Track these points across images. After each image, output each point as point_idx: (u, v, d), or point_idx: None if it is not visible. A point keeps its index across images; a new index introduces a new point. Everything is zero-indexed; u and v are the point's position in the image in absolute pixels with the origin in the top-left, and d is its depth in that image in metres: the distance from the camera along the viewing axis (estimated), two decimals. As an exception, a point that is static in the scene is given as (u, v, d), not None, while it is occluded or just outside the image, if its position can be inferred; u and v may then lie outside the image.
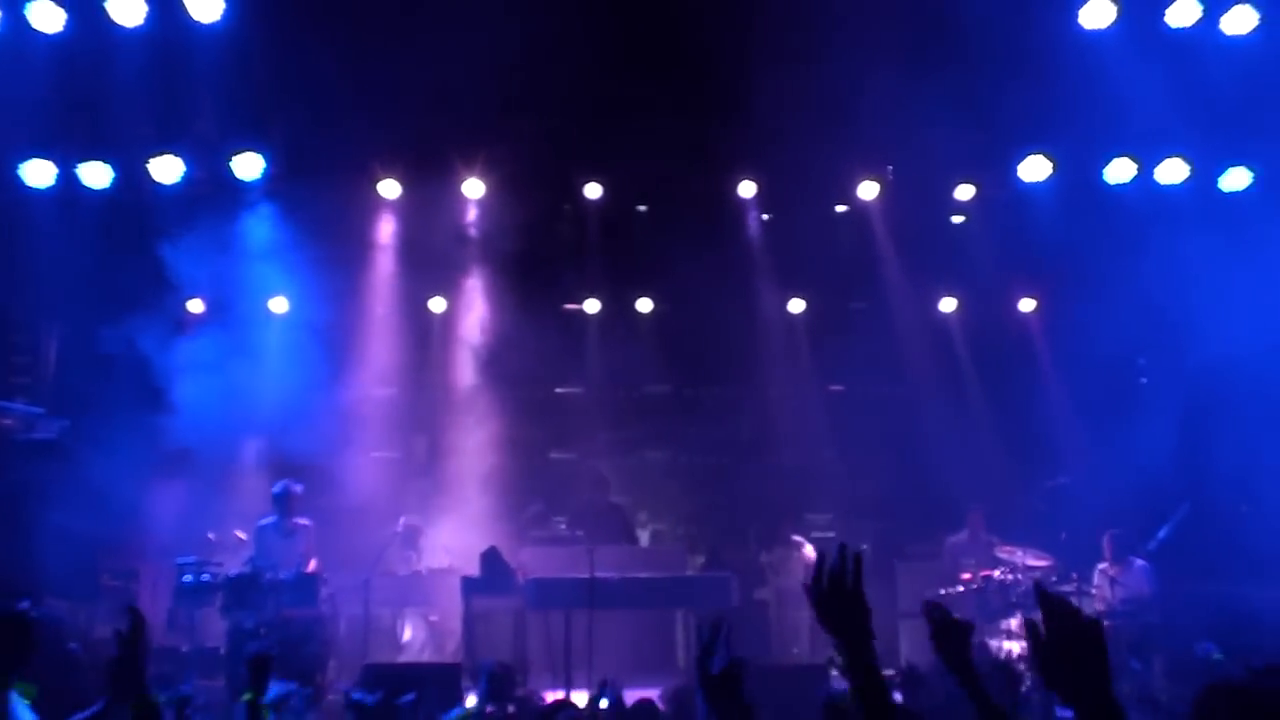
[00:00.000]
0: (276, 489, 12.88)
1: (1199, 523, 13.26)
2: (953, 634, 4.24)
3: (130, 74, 13.51)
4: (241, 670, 10.78)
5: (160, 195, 14.69)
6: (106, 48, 13.34)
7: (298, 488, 12.87)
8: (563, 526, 14.47)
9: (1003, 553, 12.99)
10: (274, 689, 9.10)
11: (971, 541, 13.52)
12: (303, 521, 12.81)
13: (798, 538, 15.31)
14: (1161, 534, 12.96)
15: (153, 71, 13.58)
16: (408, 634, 13.91)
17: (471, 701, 10.42)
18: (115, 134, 14.17)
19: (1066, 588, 12.44)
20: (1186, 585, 13.08)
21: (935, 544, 14.91)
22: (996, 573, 12.60)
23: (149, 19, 13.09)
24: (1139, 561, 12.77)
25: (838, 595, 3.65)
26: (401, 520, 13.91)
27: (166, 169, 14.38)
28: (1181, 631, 11.23)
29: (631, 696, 10.87)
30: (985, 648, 12.15)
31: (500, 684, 10.52)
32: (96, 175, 14.30)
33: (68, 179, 14.27)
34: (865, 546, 18.05)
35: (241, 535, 13.35)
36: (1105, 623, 11.85)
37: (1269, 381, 13.69)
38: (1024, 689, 9.49)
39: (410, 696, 7.63)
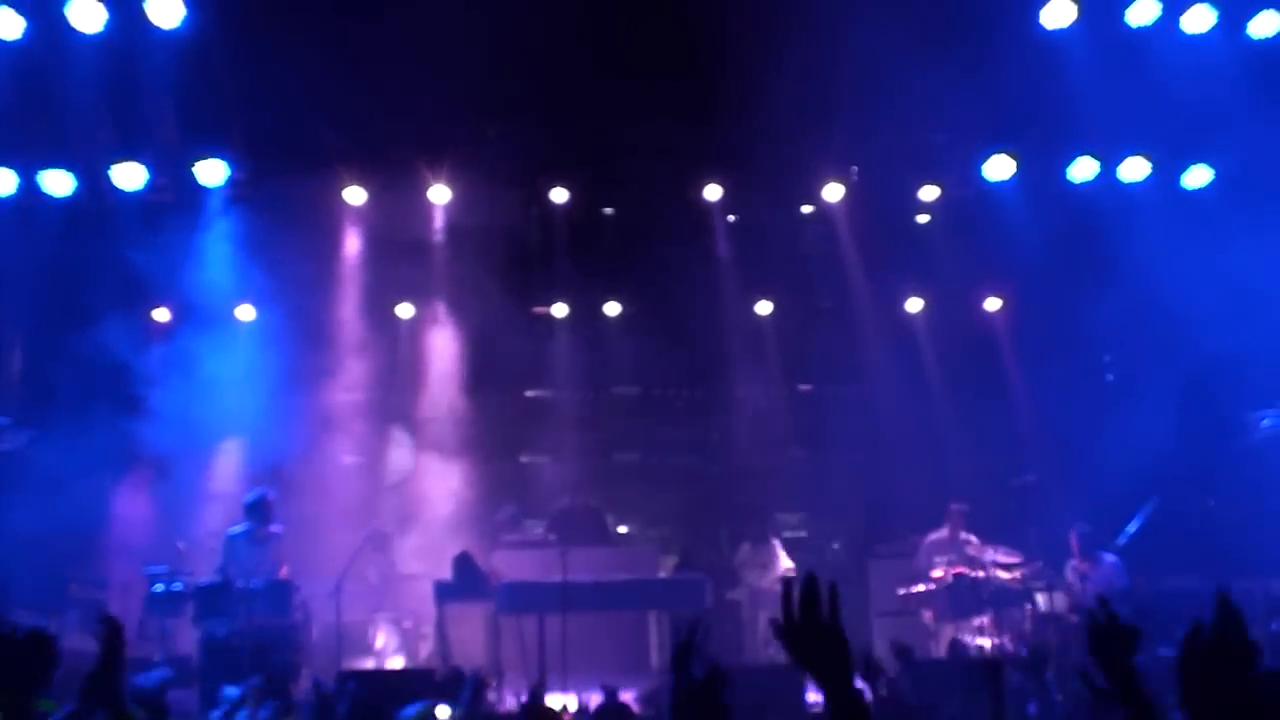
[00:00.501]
0: (250, 497, 12.79)
1: (1167, 518, 13.36)
2: (1118, 640, 3.84)
3: (91, 81, 13.40)
4: (215, 678, 10.84)
5: (123, 202, 14.57)
6: (66, 54, 13.22)
7: (271, 495, 12.80)
8: (538, 530, 14.43)
9: (975, 550, 13.05)
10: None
11: (950, 539, 13.55)
12: (275, 529, 12.73)
13: (774, 539, 15.32)
14: (1131, 529, 13.05)
15: (114, 78, 13.48)
16: (380, 640, 13.86)
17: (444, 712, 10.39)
18: (77, 141, 14.06)
19: (1038, 584, 12.52)
20: (1158, 580, 13.20)
21: (905, 542, 14.96)
22: (967, 570, 12.64)
23: (109, 25, 12.97)
24: (1109, 557, 12.85)
25: (811, 629, 3.33)
26: (372, 525, 13.86)
27: (129, 176, 14.26)
28: (1154, 627, 11.27)
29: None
30: (961, 645, 12.22)
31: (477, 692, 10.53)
32: (58, 183, 14.17)
33: (29, 187, 14.14)
34: (836, 545, 18.19)
35: (181, 546, 13.27)
36: (1075, 619, 11.98)
37: (1234, 375, 13.82)
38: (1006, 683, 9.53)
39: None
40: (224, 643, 11.35)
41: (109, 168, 14.19)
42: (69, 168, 14.13)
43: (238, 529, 12.71)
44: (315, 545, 13.83)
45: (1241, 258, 13.91)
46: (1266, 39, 13.87)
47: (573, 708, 10.59)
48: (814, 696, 10.25)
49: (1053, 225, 15.48)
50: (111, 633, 4.62)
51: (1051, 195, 15.56)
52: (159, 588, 12.20)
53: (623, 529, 18.43)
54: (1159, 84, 14.27)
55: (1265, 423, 13.67)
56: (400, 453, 15.24)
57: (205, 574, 12.28)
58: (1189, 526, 13.90)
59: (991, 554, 12.96)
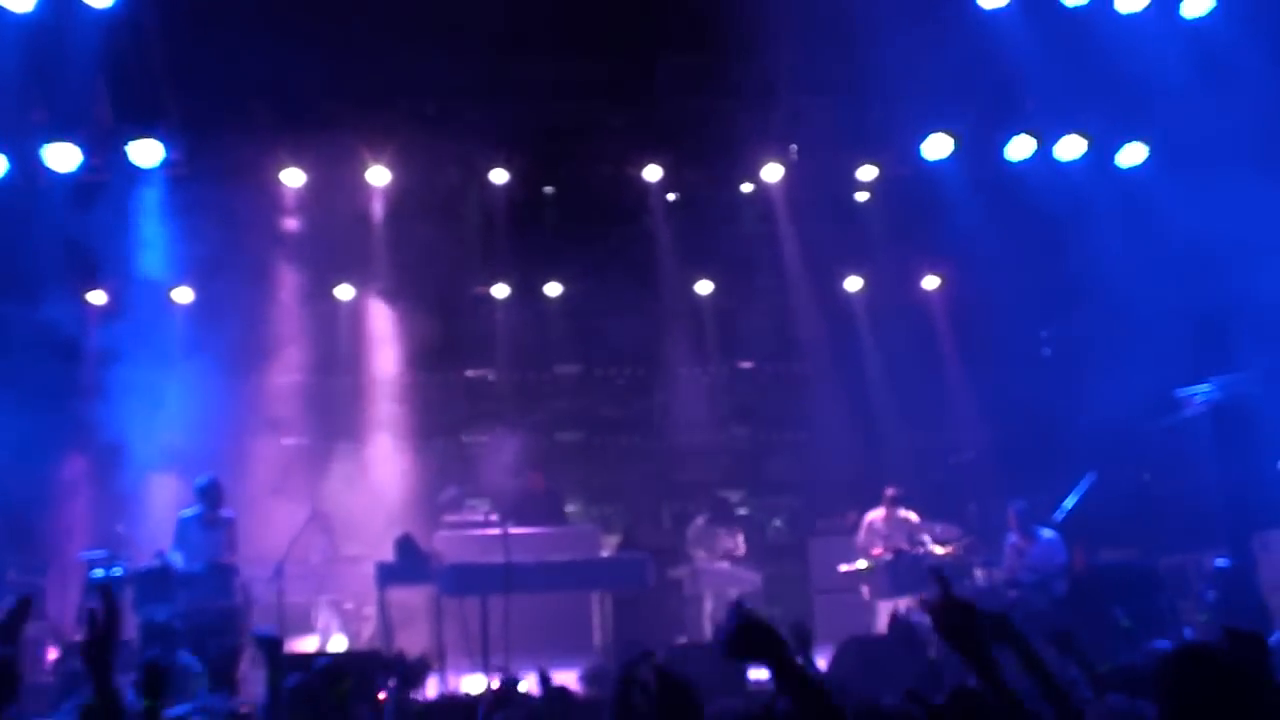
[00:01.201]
0: (201, 481, 12.66)
1: (1104, 494, 13.55)
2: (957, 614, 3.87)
3: (23, 61, 13.17)
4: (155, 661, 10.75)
5: (57, 184, 14.35)
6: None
7: (221, 480, 12.70)
8: (484, 511, 14.35)
9: (914, 527, 13.18)
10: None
11: (888, 518, 13.69)
12: (226, 513, 12.64)
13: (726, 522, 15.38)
14: (1068, 505, 13.22)
15: (46, 58, 13.25)
16: (322, 621, 13.84)
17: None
18: (8, 122, 13.82)
19: (976, 559, 12.66)
20: (1094, 555, 13.40)
21: (845, 520, 15.09)
22: (907, 546, 12.78)
23: (40, 4, 12.74)
24: (1046, 533, 13.01)
25: (746, 634, 3.59)
26: (312, 508, 13.78)
27: (62, 157, 14.03)
28: (1091, 600, 11.44)
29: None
30: (901, 620, 12.33)
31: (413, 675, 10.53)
32: (-10, 164, 13.94)
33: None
34: (777, 522, 18.32)
35: (120, 530, 13.17)
36: (1013, 594, 12.13)
37: (1169, 351, 14.00)
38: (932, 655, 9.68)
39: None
40: (164, 627, 11.25)
41: (41, 149, 13.94)
42: (0, 149, 13.88)
43: (189, 512, 12.61)
44: (256, 528, 13.75)
45: (1175, 234, 14.10)
46: (1199, 18, 14.00)
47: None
48: (756, 675, 10.32)
49: (990, 203, 15.61)
50: (109, 606, 4.53)
51: (989, 174, 15.67)
52: (98, 573, 12.08)
53: (567, 508, 18.47)
54: (1094, 63, 14.41)
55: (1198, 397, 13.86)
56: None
57: (145, 558, 12.17)
58: (1125, 502, 14.12)
59: (933, 530, 13.09)
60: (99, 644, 4.39)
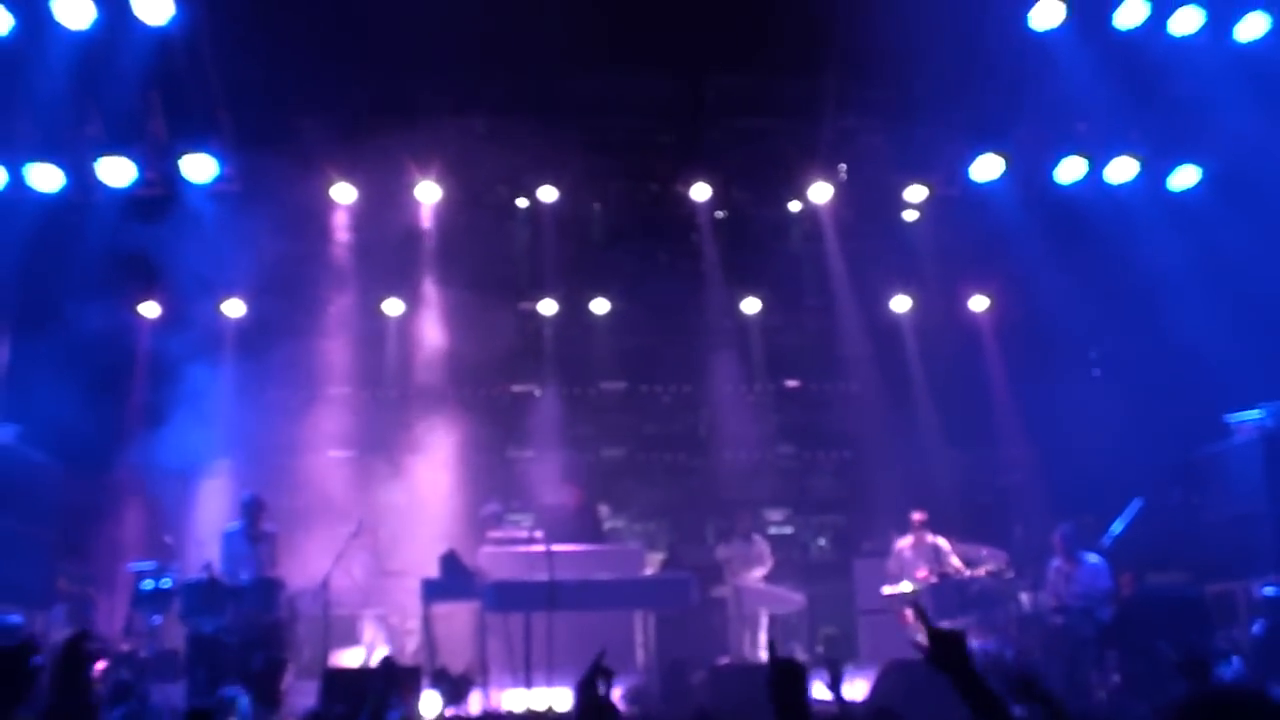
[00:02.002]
0: (245, 496, 12.80)
1: (1152, 519, 13.42)
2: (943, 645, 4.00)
3: (78, 77, 13.35)
4: (200, 675, 10.87)
5: (111, 197, 14.54)
6: (54, 51, 13.16)
7: (264, 495, 12.81)
8: (528, 527, 14.38)
9: (947, 553, 13.09)
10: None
11: (917, 545, 13.61)
12: (269, 528, 12.75)
13: (756, 535, 15.35)
14: (1115, 530, 13.09)
15: (101, 74, 13.43)
16: (367, 636, 13.91)
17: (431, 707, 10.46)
18: (64, 136, 14.01)
19: (1021, 584, 12.56)
20: (1141, 581, 13.27)
21: (889, 540, 15.04)
22: (953, 570, 12.70)
23: (97, 22, 12.91)
24: (1092, 557, 12.89)
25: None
26: (358, 522, 13.85)
27: (116, 171, 14.22)
28: (1137, 627, 11.34)
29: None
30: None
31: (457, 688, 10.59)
32: (46, 178, 14.12)
33: (15, 182, 14.10)
34: (822, 542, 18.25)
35: (169, 541, 13.30)
36: (1059, 620, 12.02)
37: (1219, 375, 13.88)
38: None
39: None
40: (210, 639, 11.35)
41: (95, 163, 14.13)
42: (56, 162, 14.06)
43: (233, 526, 12.73)
44: (303, 542, 13.84)
45: (1228, 257, 13.99)
46: (1253, 41, 13.89)
47: (558, 706, 10.67)
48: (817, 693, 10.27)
49: (1039, 225, 15.55)
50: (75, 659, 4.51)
51: (1039, 195, 15.61)
52: (147, 584, 12.19)
53: (611, 524, 18.47)
54: (1147, 85, 14.34)
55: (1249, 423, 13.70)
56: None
57: (193, 570, 12.27)
58: (1172, 528, 13.98)
59: (974, 553, 12.99)
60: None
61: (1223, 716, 3.26)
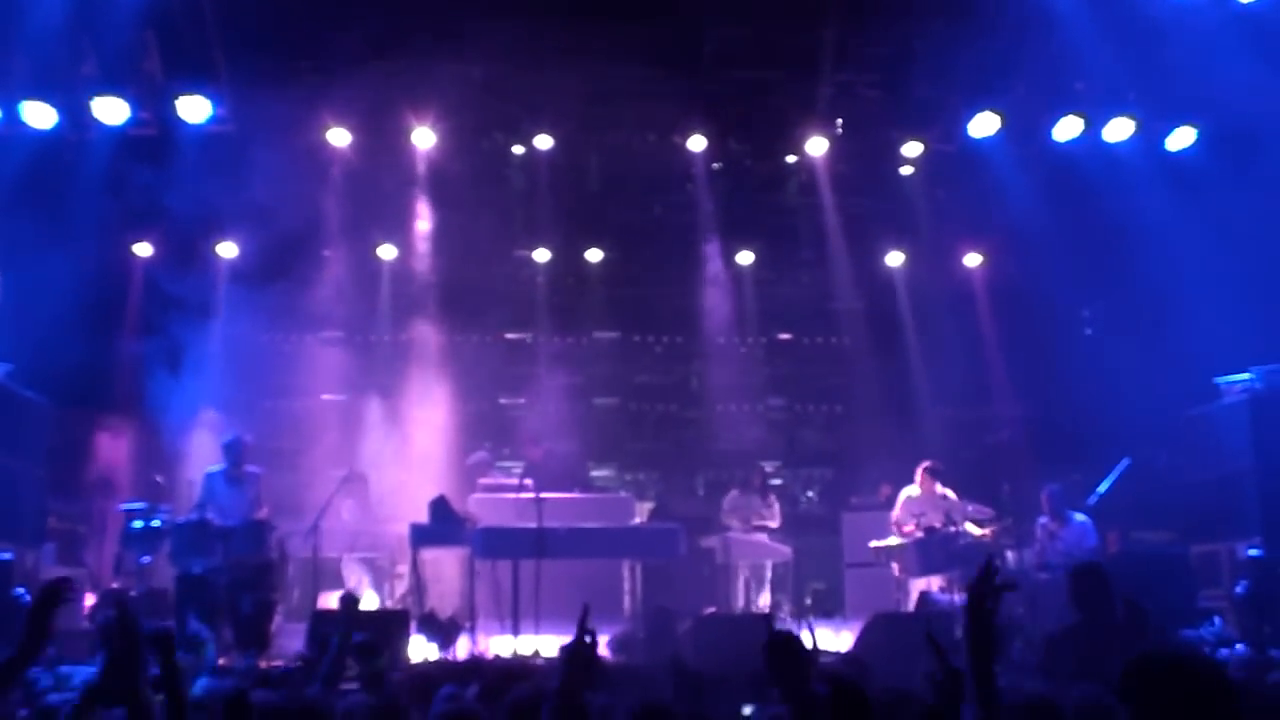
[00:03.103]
0: (227, 438, 12.79)
1: (1138, 477, 13.50)
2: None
3: (74, 14, 13.26)
4: (189, 615, 10.94)
5: (105, 136, 14.47)
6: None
7: (248, 437, 12.80)
8: (519, 475, 14.40)
9: (951, 506, 13.10)
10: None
11: (926, 495, 13.59)
12: (252, 469, 12.76)
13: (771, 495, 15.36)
14: (1102, 489, 13.18)
15: (96, 12, 13.34)
16: (351, 580, 13.97)
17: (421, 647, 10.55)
18: (58, 75, 13.91)
19: (1007, 541, 12.62)
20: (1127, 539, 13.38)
21: (877, 495, 15.10)
22: (942, 523, 12.72)
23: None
24: (1079, 516, 12.96)
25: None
26: (349, 468, 13.90)
27: (111, 110, 14.14)
28: (1121, 585, 11.41)
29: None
30: (930, 598, 12.34)
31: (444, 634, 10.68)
32: (40, 115, 14.04)
33: (9, 119, 14.02)
34: (811, 494, 18.34)
35: (160, 481, 13.37)
36: (1043, 576, 12.11)
37: (1212, 336, 13.92)
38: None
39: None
40: (199, 579, 11.40)
41: (90, 101, 14.05)
42: (50, 101, 13.97)
43: (215, 468, 12.73)
44: (293, 483, 13.91)
45: (1223, 219, 13.99)
46: (1254, 2, 13.82)
47: (545, 652, 10.77)
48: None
49: (1036, 183, 15.53)
50: (128, 625, 4.53)
51: (1035, 153, 15.57)
52: (137, 524, 12.25)
53: (600, 473, 18.54)
54: (1146, 45, 14.27)
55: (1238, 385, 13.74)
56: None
57: (183, 510, 12.32)
58: (1159, 488, 14.07)
59: (967, 509, 13.04)
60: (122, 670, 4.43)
61: (1159, 677, 3.36)
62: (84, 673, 8.10)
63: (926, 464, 13.69)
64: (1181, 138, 15.18)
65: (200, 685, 8.41)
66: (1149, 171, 15.15)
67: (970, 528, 12.73)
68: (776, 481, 18.16)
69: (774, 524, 14.72)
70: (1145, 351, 14.89)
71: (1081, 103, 15.16)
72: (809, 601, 15.61)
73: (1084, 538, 12.75)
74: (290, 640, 11.12)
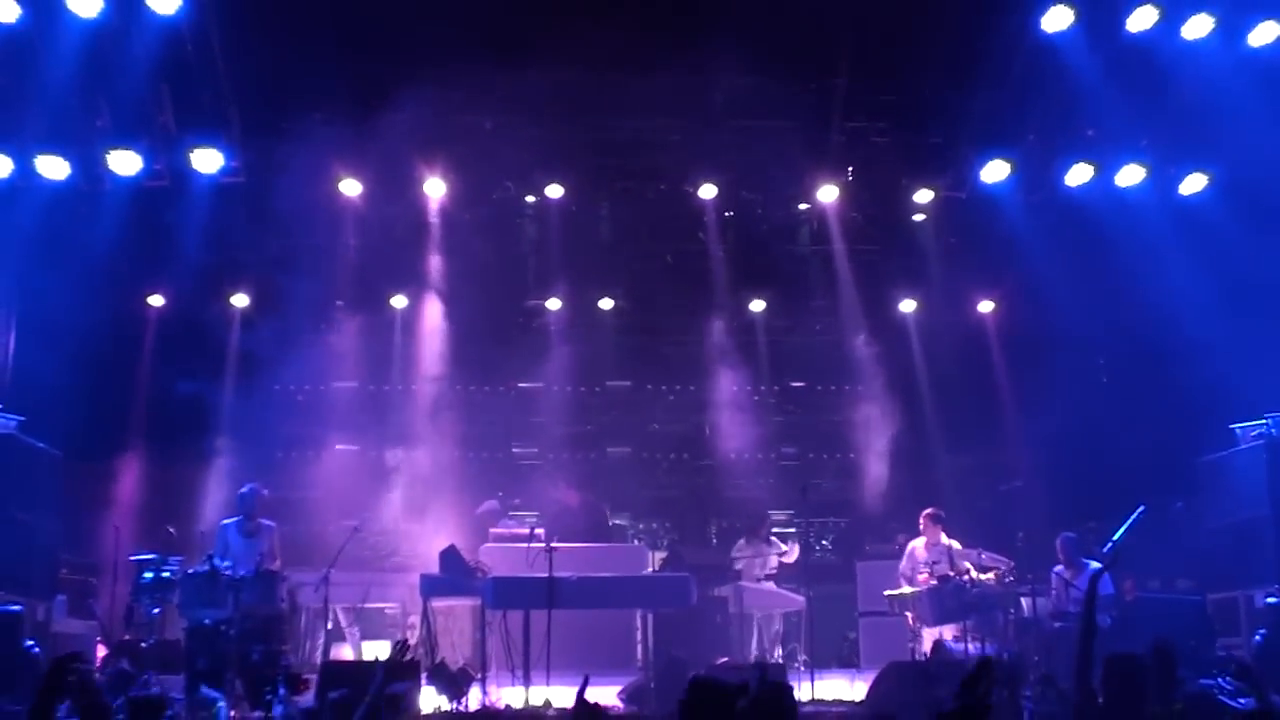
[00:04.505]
0: (242, 490, 12.82)
1: (1154, 525, 13.38)
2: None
3: (87, 67, 13.35)
4: (200, 667, 10.89)
5: (118, 188, 14.55)
6: (62, 40, 13.13)
7: (263, 490, 12.81)
8: (530, 525, 14.34)
9: (959, 555, 13.02)
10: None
11: (932, 544, 13.51)
12: (266, 522, 12.75)
13: (774, 539, 15.33)
14: (1117, 537, 13.05)
15: (111, 64, 13.44)
16: (349, 631, 13.93)
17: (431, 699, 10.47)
18: (72, 127, 14.01)
19: (1022, 589, 12.52)
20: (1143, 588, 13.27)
21: (892, 543, 14.99)
22: (953, 574, 12.64)
23: (105, 11, 12.90)
24: (1094, 564, 12.85)
25: None
26: (361, 517, 13.84)
27: (124, 162, 14.23)
28: (1137, 634, 11.29)
29: (590, 696, 10.92)
30: (943, 647, 12.23)
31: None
32: (53, 168, 14.12)
33: (23, 171, 14.11)
34: (826, 543, 18.24)
35: (171, 532, 13.35)
36: (1058, 625, 12.00)
37: (1227, 383, 13.85)
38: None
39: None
40: (210, 630, 11.36)
41: (105, 154, 14.13)
42: (63, 153, 14.06)
43: (230, 520, 12.74)
44: (306, 534, 13.88)
45: (1238, 265, 13.96)
46: (1265, 47, 13.83)
47: (556, 703, 10.67)
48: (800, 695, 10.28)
49: (1048, 229, 15.52)
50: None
51: (1047, 200, 15.59)
52: (147, 575, 12.21)
53: (614, 522, 18.48)
54: (1157, 91, 14.30)
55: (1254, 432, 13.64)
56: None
57: (195, 562, 12.27)
58: (1176, 536, 13.95)
59: (975, 557, 12.93)
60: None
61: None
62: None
63: (929, 511, 13.61)
64: (1193, 183, 15.18)
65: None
66: (1162, 217, 15.13)
67: (978, 575, 12.59)
68: (789, 530, 18.11)
69: (791, 560, 14.66)
70: (1160, 398, 14.83)
71: (1093, 149, 15.20)
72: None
73: (1099, 586, 12.62)
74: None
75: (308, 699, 10.05)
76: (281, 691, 10.20)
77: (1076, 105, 14.67)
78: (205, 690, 10.50)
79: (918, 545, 13.58)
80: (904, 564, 13.63)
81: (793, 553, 14.79)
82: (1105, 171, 15.23)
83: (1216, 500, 13.98)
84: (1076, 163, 15.21)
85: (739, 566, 14.56)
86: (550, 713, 10.33)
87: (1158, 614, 12.02)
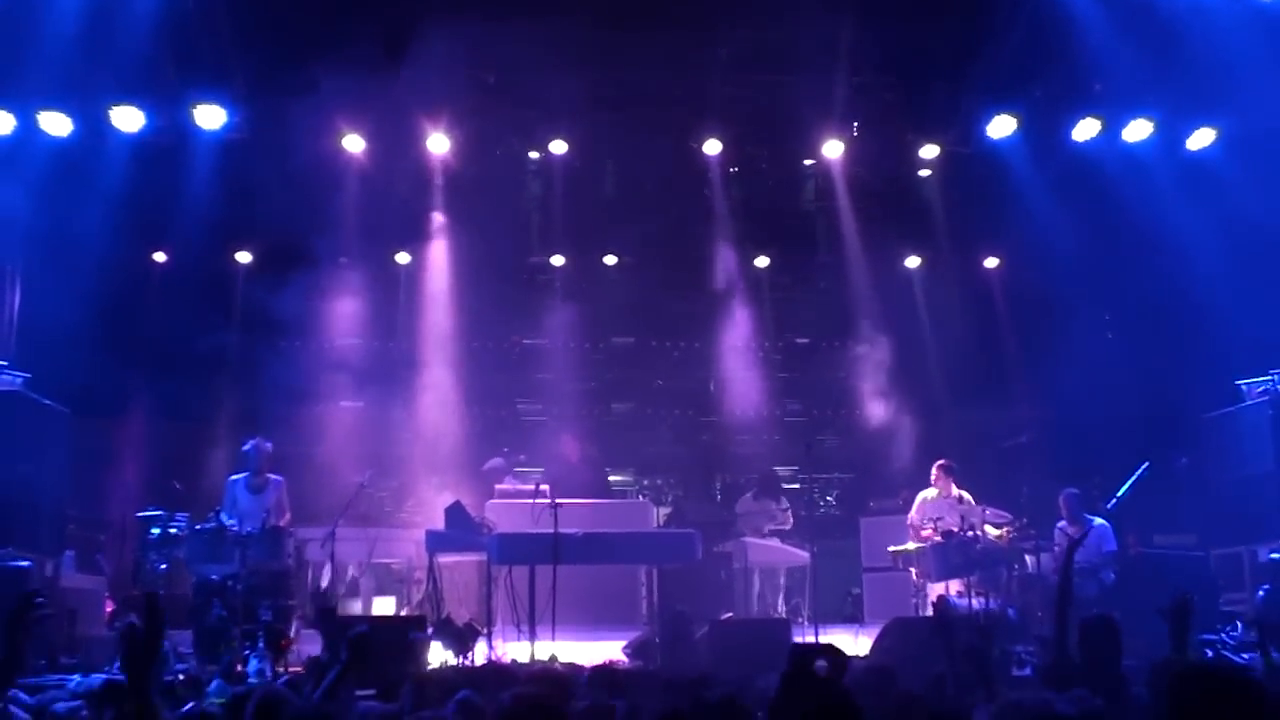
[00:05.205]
0: (247, 446, 12.84)
1: (1158, 480, 13.42)
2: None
3: (90, 22, 13.29)
4: (208, 624, 10.96)
5: (121, 144, 14.51)
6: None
7: (267, 445, 12.84)
8: (536, 480, 14.39)
9: (969, 509, 13.00)
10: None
11: (943, 496, 13.50)
12: (274, 477, 12.80)
13: (784, 498, 15.37)
14: (1121, 493, 13.09)
15: (113, 20, 13.37)
16: (364, 585, 14.01)
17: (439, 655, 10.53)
18: (75, 84, 13.94)
19: (1026, 545, 12.55)
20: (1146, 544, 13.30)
21: (896, 499, 15.01)
22: (957, 529, 12.65)
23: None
24: (1097, 520, 12.89)
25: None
26: (367, 473, 13.87)
27: (127, 118, 14.20)
28: (1139, 589, 11.33)
29: (596, 650, 11.00)
30: (947, 603, 12.26)
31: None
32: (56, 124, 14.09)
33: (26, 127, 14.08)
34: (830, 498, 18.28)
35: (178, 487, 13.41)
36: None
37: (1233, 337, 13.85)
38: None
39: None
40: (217, 586, 11.43)
41: (108, 110, 14.10)
42: (66, 110, 14.03)
43: (237, 476, 12.79)
44: (312, 489, 13.92)
45: (1244, 220, 13.91)
46: (1276, 1, 13.73)
47: (562, 657, 10.73)
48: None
49: (1054, 184, 15.47)
50: (155, 618, 4.49)
51: (1053, 154, 15.52)
52: (154, 531, 12.26)
53: (618, 478, 18.54)
54: (1165, 45, 14.18)
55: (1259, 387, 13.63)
56: None
57: (201, 518, 12.31)
58: (1179, 491, 13.98)
59: (984, 512, 12.94)
60: (139, 657, 4.37)
61: (1201, 690, 3.32)
62: (95, 681, 8.08)
63: (942, 462, 13.59)
64: (1201, 138, 15.10)
65: (216, 688, 8.45)
66: (1169, 172, 15.07)
67: (989, 530, 12.65)
68: (793, 486, 18.15)
69: (786, 526, 14.71)
70: (1166, 353, 14.82)
71: (1100, 104, 15.09)
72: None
73: (1103, 541, 12.67)
74: (306, 646, 11.11)
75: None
76: (260, 647, 10.28)
77: (1083, 59, 14.55)
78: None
79: (929, 495, 13.58)
80: (914, 513, 13.64)
81: (788, 520, 14.84)
82: (1112, 126, 15.15)
83: (1221, 456, 14.02)
84: (1083, 118, 15.13)
85: (744, 526, 14.61)
86: (557, 666, 10.38)
87: (1161, 570, 12.03)
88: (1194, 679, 3.37)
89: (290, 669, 10.00)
